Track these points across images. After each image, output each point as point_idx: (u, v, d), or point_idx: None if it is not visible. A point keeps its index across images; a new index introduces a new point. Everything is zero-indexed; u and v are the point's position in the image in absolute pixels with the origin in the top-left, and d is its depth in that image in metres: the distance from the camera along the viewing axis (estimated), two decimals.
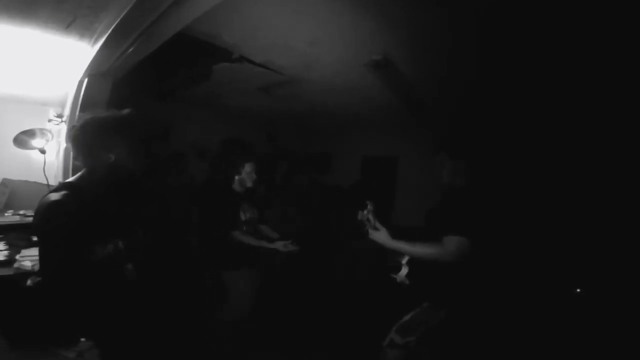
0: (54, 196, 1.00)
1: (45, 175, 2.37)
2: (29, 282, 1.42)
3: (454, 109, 3.24)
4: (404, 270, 1.65)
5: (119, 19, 1.49)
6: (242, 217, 2.18)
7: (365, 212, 1.59)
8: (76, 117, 2.12)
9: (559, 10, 1.50)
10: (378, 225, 1.57)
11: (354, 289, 2.91)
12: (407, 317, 1.67)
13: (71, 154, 1.99)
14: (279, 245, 2.13)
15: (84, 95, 2.08)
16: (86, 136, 1.09)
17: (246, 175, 2.20)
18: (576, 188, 2.67)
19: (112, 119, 1.13)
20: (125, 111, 1.17)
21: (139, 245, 1.21)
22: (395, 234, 1.54)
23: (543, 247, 2.48)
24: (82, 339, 1.04)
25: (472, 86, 2.61)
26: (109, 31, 1.60)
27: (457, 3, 1.57)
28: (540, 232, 2.56)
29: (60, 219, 0.97)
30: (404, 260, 1.67)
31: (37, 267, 1.59)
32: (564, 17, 1.56)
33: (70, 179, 1.14)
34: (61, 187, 1.06)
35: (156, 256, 1.36)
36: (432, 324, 1.57)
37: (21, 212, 2.45)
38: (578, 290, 2.31)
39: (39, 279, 1.44)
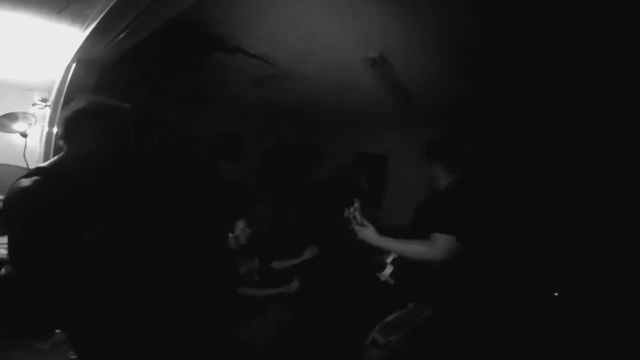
0: (25, 182, 0.93)
1: (25, 159, 2.31)
2: (2, 270, 1.36)
3: (445, 109, 3.24)
4: (388, 269, 1.65)
5: (110, 5, 1.46)
6: (241, 271, 2.19)
7: (352, 209, 1.58)
8: (61, 102, 2.06)
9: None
10: (365, 222, 1.55)
11: (339, 288, 2.90)
12: (390, 317, 1.68)
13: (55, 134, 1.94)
14: (288, 288, 2.14)
15: (70, 81, 2.02)
16: (74, 120, 1.05)
17: (240, 232, 2.22)
18: (568, 188, 2.62)
19: (98, 106, 1.09)
20: (113, 102, 1.12)
21: (149, 236, 1.18)
22: (384, 232, 1.52)
23: (533, 247, 2.45)
24: (57, 331, 1.00)
25: (467, 86, 2.61)
26: (100, 17, 1.56)
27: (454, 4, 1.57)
28: (530, 231, 2.52)
29: (29, 207, 0.91)
30: (389, 259, 1.67)
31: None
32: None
33: (45, 163, 1.08)
34: (34, 172, 0.99)
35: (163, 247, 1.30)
36: (416, 324, 1.58)
37: (0, 197, 2.37)
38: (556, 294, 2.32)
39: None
